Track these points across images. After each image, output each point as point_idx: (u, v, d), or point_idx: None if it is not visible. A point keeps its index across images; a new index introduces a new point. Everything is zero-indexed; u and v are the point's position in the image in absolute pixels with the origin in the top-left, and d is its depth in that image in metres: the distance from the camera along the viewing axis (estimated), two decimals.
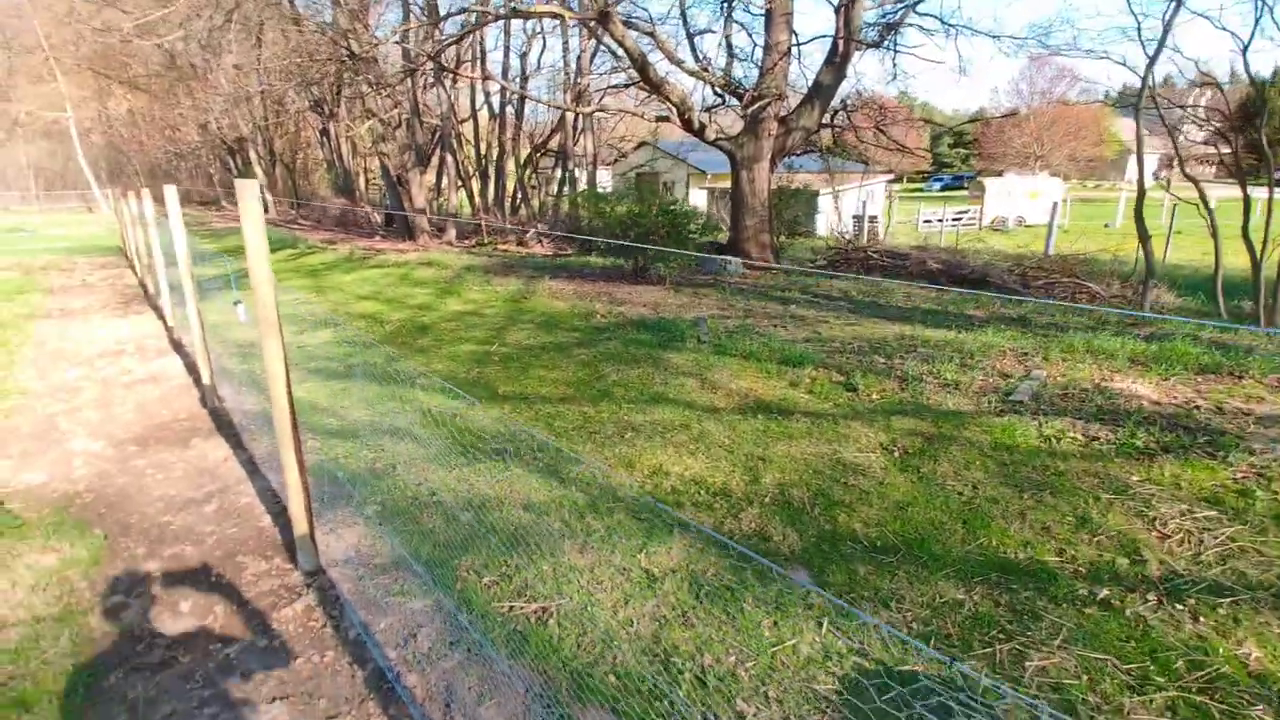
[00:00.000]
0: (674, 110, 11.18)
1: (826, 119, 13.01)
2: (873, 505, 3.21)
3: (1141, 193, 9.52)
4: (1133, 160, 64.13)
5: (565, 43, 18.42)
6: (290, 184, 35.22)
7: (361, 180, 32.08)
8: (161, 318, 8.73)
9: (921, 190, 58.29)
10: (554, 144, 22.23)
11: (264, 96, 30.49)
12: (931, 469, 3.54)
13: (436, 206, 23.24)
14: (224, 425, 4.87)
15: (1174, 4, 7.98)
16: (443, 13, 12.38)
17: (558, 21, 17.65)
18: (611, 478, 3.65)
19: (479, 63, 19.61)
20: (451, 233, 18.25)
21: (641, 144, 30.91)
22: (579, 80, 18.69)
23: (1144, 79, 8.75)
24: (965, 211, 33.32)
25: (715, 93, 12.87)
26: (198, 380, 5.98)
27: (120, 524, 3.46)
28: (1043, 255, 12.65)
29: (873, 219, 24.20)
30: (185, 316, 8.25)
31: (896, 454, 3.69)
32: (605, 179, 28.91)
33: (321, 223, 27.25)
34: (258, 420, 4.87)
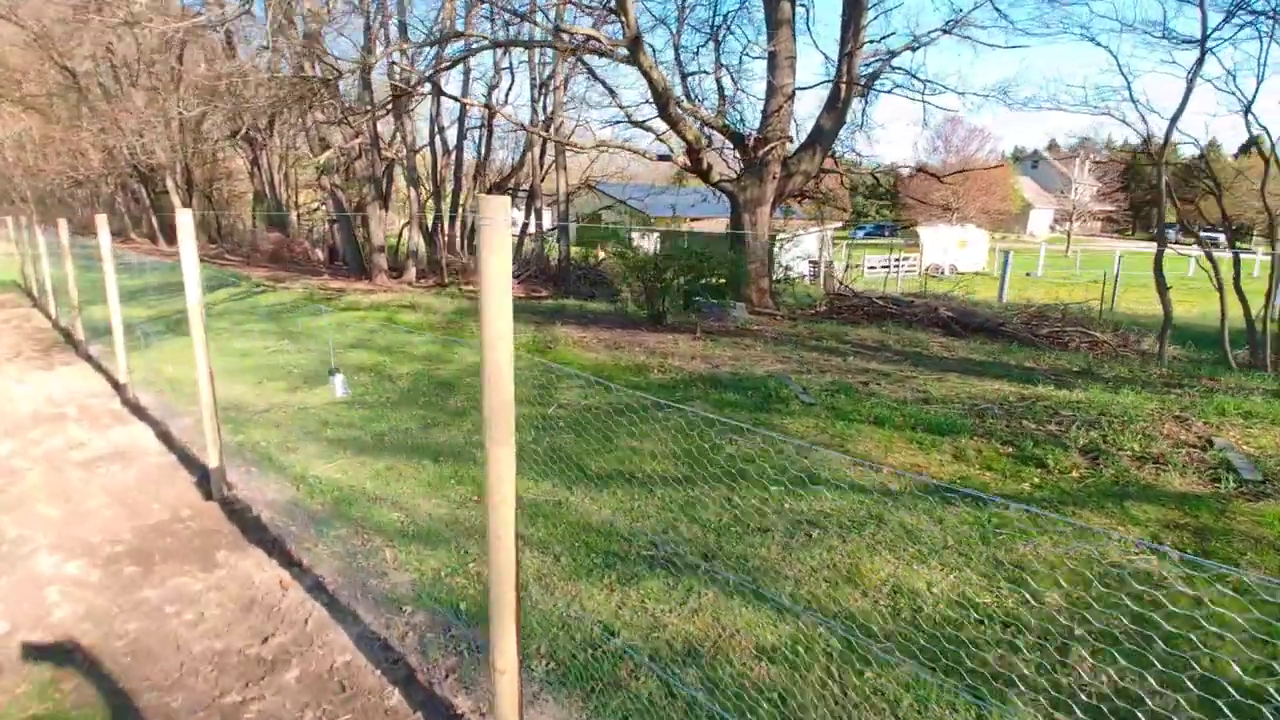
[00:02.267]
0: (685, 148, 10.65)
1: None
2: (1220, 640, 2.51)
3: (1161, 247, 9.63)
4: (1034, 214, 69.45)
5: (536, 78, 17.80)
6: (214, 217, 32.57)
7: (294, 214, 30.05)
8: (103, 371, 7.18)
9: (849, 237, 60.91)
10: (513, 182, 21.40)
11: (183, 122, 28.27)
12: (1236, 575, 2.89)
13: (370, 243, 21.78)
14: (250, 526, 3.66)
15: (1196, 63, 8.17)
16: (425, 36, 11.45)
17: (534, 52, 17.07)
18: (842, 598, 2.79)
19: (434, 99, 18.67)
20: (412, 272, 16.93)
21: (586, 186, 30.57)
22: (548, 116, 18.05)
23: (1166, 135, 8.90)
24: (906, 258, 34.67)
25: (702, 135, 12.47)
26: (185, 457, 4.69)
27: (158, 711, 2.29)
28: (1040, 305, 12.76)
29: (829, 264, 24.58)
30: (146, 367, 6.80)
31: (1174, 555, 3.03)
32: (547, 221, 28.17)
33: (251, 259, 25.07)
34: (298, 518, 3.71)
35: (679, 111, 10.15)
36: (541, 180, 18.84)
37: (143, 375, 6.81)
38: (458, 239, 20.20)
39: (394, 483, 4.21)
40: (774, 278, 12.25)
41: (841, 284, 13.31)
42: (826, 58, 12.98)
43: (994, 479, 3.88)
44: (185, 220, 3.74)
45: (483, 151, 19.27)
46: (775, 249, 12.03)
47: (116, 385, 6.50)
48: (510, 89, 18.26)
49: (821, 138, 11.87)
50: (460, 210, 19.49)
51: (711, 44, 13.42)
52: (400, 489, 4.11)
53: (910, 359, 7.51)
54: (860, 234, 61.72)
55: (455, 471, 4.35)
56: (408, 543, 3.42)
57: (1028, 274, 34.69)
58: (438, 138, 20.23)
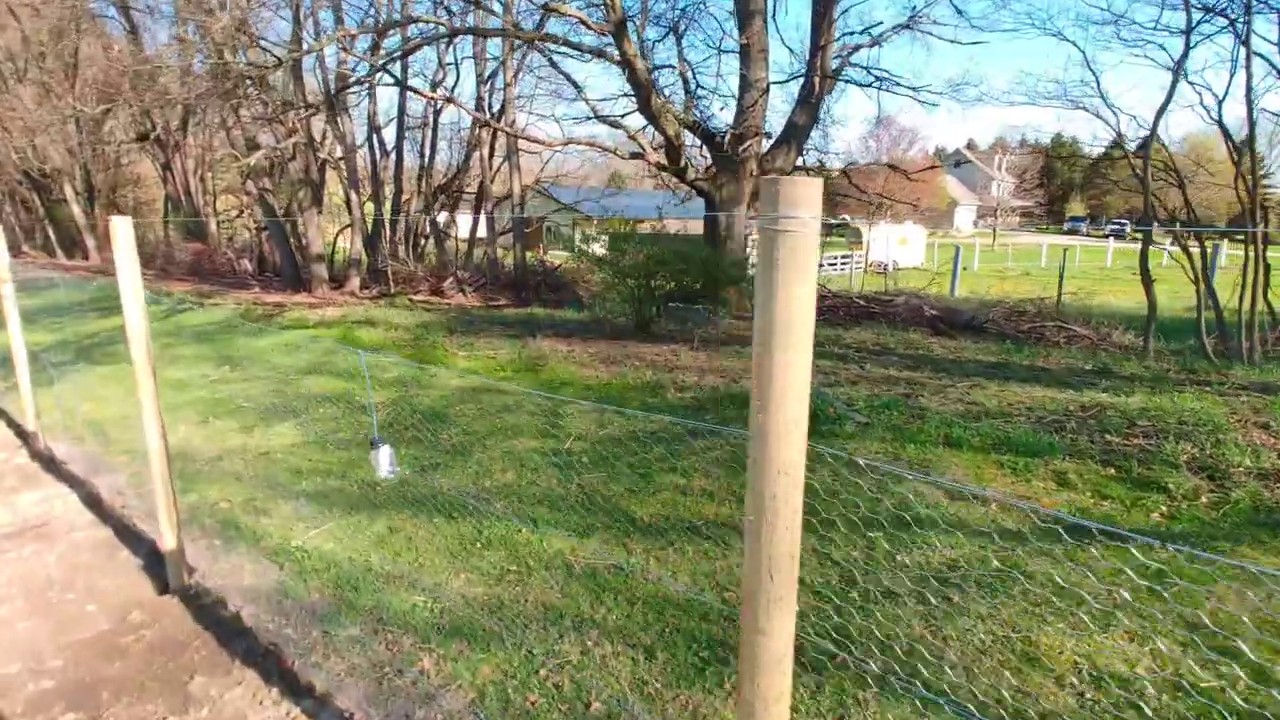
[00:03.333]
0: (664, 144, 10.03)
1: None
2: None
3: (1148, 242, 9.63)
4: (959, 211, 72.48)
5: (481, 73, 16.81)
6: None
7: (212, 222, 27.82)
8: (3, 415, 5.96)
9: None
10: (458, 185, 20.27)
11: (81, 123, 25.75)
12: None
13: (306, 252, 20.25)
14: (230, 631, 2.80)
15: (1182, 53, 8.14)
16: (368, 22, 10.35)
17: (479, 46, 16.08)
18: (1037, 691, 2.22)
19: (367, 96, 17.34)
20: (355, 281, 15.68)
21: (537, 189, 29.63)
22: (498, 113, 17.09)
23: (1153, 127, 8.88)
24: (849, 256, 35.19)
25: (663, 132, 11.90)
26: (124, 530, 3.72)
27: None
28: (1016, 301, 12.76)
29: None
30: (58, 407, 5.64)
31: None
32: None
33: (169, 271, 22.92)
34: (293, 615, 2.87)
35: (660, 105, 9.53)
36: (491, 181, 17.86)
37: (54, 418, 5.66)
38: (401, 245, 18.95)
39: (404, 551, 3.41)
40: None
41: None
42: (792, 52, 12.71)
43: (1115, 509, 3.43)
44: (123, 230, 2.84)
45: (427, 152, 18.12)
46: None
47: (22, 434, 5.35)
48: (455, 86, 17.20)
49: (796, 134, 11.49)
50: (404, 215, 18.27)
51: (672, 37, 12.88)
52: (414, 560, 3.31)
53: (926, 364, 7.12)
54: None
55: (477, 531, 3.57)
56: (447, 642, 2.65)
57: (964, 268, 35.81)
58: (374, 136, 18.93)
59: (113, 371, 7.58)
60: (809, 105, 11.38)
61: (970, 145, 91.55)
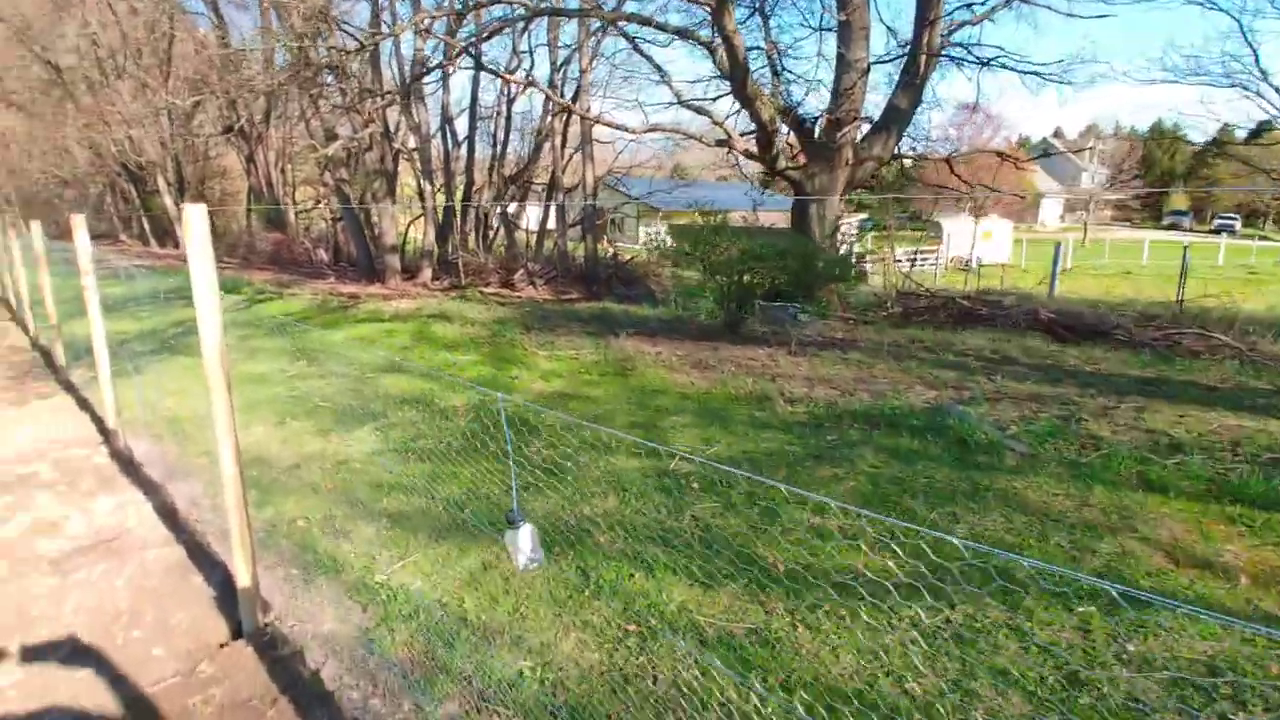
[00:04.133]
0: (757, 130, 9.34)
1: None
2: None
3: None
4: (1045, 204, 68.47)
5: (555, 60, 16.41)
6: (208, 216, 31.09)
7: (291, 212, 28.61)
8: (86, 407, 5.85)
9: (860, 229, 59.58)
10: (529, 175, 20.01)
11: (174, 117, 26.83)
12: None
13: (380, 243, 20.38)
14: (309, 695, 2.36)
15: None
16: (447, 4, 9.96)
17: (555, 31, 15.68)
18: None
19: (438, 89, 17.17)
20: (427, 273, 15.58)
21: (609, 178, 29.22)
22: (570, 100, 16.68)
23: None
24: (932, 251, 33.42)
25: (757, 118, 11.13)
26: (198, 550, 3.38)
27: None
28: (1143, 303, 11.47)
29: (859, 258, 23.41)
30: (138, 399, 5.48)
31: None
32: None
33: (250, 260, 23.65)
34: (378, 676, 2.41)
35: (755, 88, 8.84)
36: (563, 172, 17.48)
37: (134, 412, 5.50)
38: (471, 236, 18.84)
39: (501, 596, 2.92)
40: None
41: (908, 280, 12.00)
42: (890, 30, 11.69)
43: None
44: (197, 218, 2.43)
45: (500, 141, 17.88)
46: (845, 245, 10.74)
47: (103, 429, 5.18)
48: (529, 73, 16.84)
49: (897, 118, 10.57)
50: (475, 206, 18.12)
51: (759, 17, 12.09)
52: (514, 608, 2.82)
53: (1065, 376, 6.24)
54: (868, 225, 60.44)
55: (583, 573, 3.06)
56: None
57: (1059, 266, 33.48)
58: (446, 126, 18.84)
59: (194, 362, 7.47)
60: (913, 87, 10.44)
61: (1057, 134, 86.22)
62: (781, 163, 10.15)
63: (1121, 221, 69.44)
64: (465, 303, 11.81)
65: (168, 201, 27.89)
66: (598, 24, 15.48)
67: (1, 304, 12.32)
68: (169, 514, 3.80)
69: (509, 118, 17.10)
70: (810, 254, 7.88)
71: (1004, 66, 11.46)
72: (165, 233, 29.95)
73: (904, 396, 5.26)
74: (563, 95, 17.15)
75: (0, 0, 28.13)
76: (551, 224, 19.14)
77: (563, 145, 17.72)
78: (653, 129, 9.90)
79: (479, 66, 11.25)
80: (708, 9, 7.61)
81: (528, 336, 8.12)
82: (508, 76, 10.65)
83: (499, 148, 17.79)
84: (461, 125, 19.36)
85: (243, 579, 2.72)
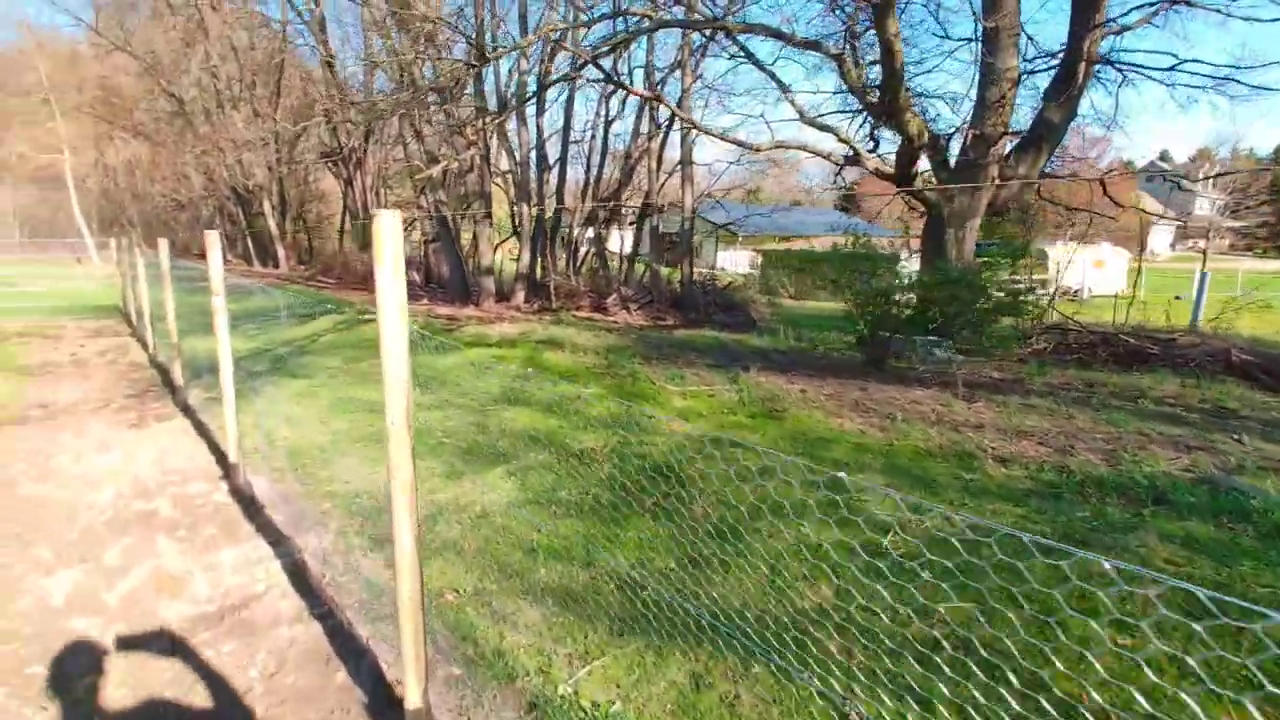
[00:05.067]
0: (902, 145, 8.52)
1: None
2: None
3: None
4: (1157, 231, 64.01)
5: (650, 77, 16.02)
6: (306, 237, 32.49)
7: None
8: (204, 434, 5.55)
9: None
10: (622, 198, 19.69)
11: (279, 142, 28.11)
12: None
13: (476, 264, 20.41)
14: None
15: None
16: (587, 17, 9.62)
17: (652, 46, 15.28)
18: None
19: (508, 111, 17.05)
20: (520, 296, 15.35)
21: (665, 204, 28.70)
22: (665, 121, 16.26)
23: None
24: (1040, 280, 31.19)
25: (903, 132, 10.21)
26: (339, 632, 2.81)
27: None
28: None
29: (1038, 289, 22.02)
30: (252, 424, 5.11)
31: None
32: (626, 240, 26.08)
33: (343, 280, 24.30)
34: None
35: (906, 99, 8.05)
36: (658, 194, 17.02)
37: (251, 440, 5.13)
38: (563, 259, 18.60)
39: None
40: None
41: (1055, 311, 10.74)
42: (1030, 39, 10.65)
43: None
44: (389, 226, 1.85)
45: (594, 164, 17.63)
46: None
47: (223, 461, 4.81)
48: (626, 96, 16.59)
49: (1049, 134, 9.49)
50: (567, 229, 17.90)
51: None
52: None
53: None
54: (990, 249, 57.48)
55: (831, 713, 2.29)
56: None
57: (1177, 296, 30.74)
58: (539, 149, 18.80)
59: (307, 387, 7.21)
60: (1068, 99, 9.36)
61: (1163, 157, 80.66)
62: (918, 181, 9.26)
63: (1241, 251, 63.82)
64: (567, 327, 11.35)
65: (270, 223, 29.23)
66: (699, 42, 15.06)
67: (123, 319, 12.74)
68: (299, 574, 3.27)
69: (606, 139, 16.82)
70: (978, 284, 6.95)
71: (1187, 74, 10.19)
72: (266, 252, 31.36)
73: (1145, 460, 4.26)
74: (655, 114, 16.76)
75: (134, 38, 30.53)
76: (639, 247, 18.71)
77: (658, 167, 17.30)
78: (778, 145, 9.22)
79: (608, 79, 10.87)
80: (867, 7, 6.89)
81: (649, 368, 7.48)
82: (637, 91, 10.22)
83: (594, 170, 17.53)
84: (552, 149, 19.33)
85: (412, 698, 2.09)
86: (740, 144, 9.00)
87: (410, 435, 1.99)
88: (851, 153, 9.50)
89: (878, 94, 8.41)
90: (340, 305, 14.37)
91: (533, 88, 12.78)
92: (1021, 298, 6.85)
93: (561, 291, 16.33)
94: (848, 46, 9.52)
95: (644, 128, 18.26)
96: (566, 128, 17.98)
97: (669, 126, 16.81)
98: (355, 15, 24.03)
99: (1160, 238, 63.56)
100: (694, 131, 15.10)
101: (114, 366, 8.52)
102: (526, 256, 15.37)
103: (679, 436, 5.15)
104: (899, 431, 5.03)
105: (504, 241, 20.23)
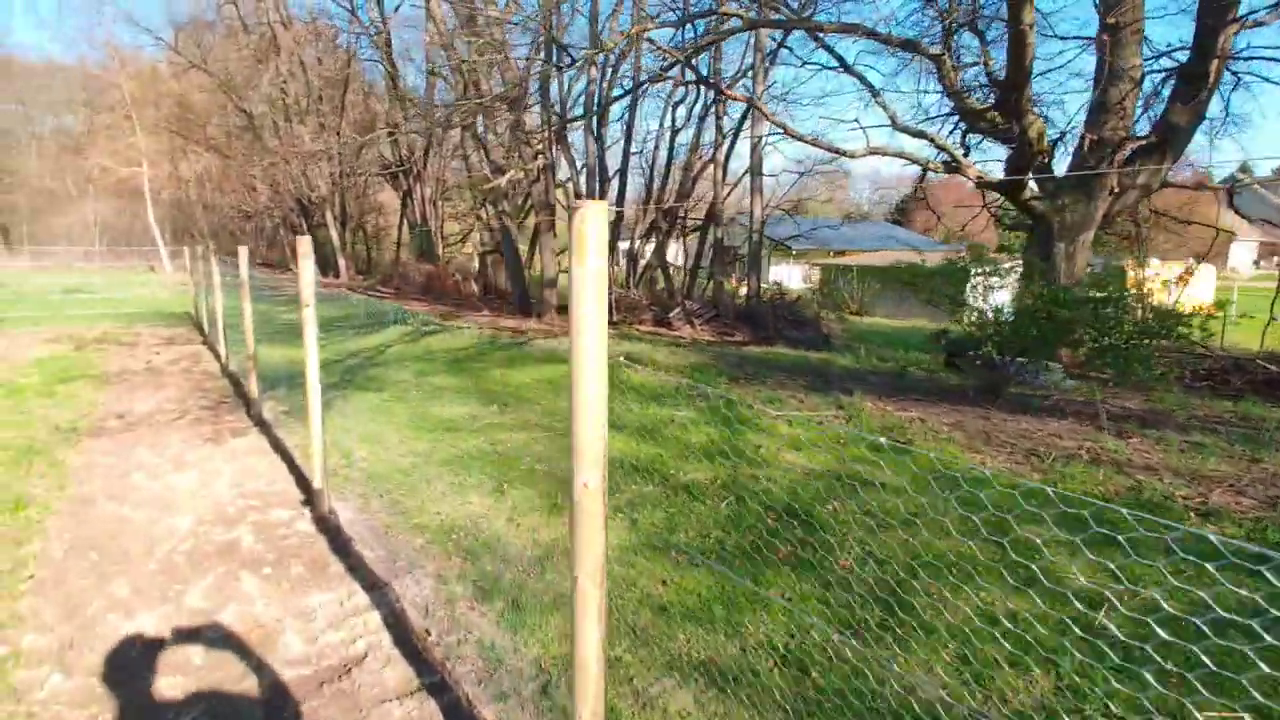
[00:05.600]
0: (1014, 151, 7.83)
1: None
2: None
3: None
4: (1236, 248, 60.45)
5: (757, 68, 15.56)
6: (365, 248, 33.09)
7: (440, 245, 29.69)
8: (280, 450, 5.25)
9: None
10: (684, 210, 19.28)
11: (342, 155, 28.71)
12: None
13: (538, 277, 20.21)
14: None
15: None
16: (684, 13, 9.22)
17: (718, 51, 14.85)
18: None
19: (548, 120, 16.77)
20: None
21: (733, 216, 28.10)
22: (732, 128, 15.78)
23: None
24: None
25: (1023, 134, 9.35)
26: (454, 710, 2.35)
27: None
28: None
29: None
30: (330, 443, 4.77)
31: None
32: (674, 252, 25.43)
33: (401, 290, 24.50)
34: None
35: (1029, 98, 7.38)
36: (723, 204, 16.53)
37: (332, 461, 4.79)
38: (622, 272, 18.26)
39: None
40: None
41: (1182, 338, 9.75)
42: (1145, 40, 9.77)
43: None
44: (595, 218, 1.38)
45: (660, 173, 17.27)
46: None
47: (304, 484, 4.47)
48: (697, 101, 16.20)
49: (1174, 139, 8.64)
50: (630, 240, 17.55)
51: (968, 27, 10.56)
52: None
53: None
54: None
55: None
56: None
57: (1274, 316, 28.53)
58: (602, 159, 18.55)
59: (380, 401, 6.92)
60: (1196, 101, 8.51)
61: (1244, 168, 76.20)
62: (1025, 192, 8.52)
63: None
64: (636, 343, 10.92)
65: (332, 233, 29.82)
66: (770, 48, 14.58)
67: (194, 327, 12.86)
68: (401, 630, 2.84)
69: (671, 148, 16.44)
70: (1124, 303, 6.22)
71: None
72: (327, 262, 32.05)
73: None
74: (721, 123, 16.32)
75: (210, 56, 31.77)
76: (700, 259, 18.21)
77: (723, 178, 16.84)
78: (873, 152, 8.62)
79: (699, 80, 10.49)
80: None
81: (740, 389, 6.95)
82: (730, 93, 9.78)
83: (657, 180, 17.16)
84: (611, 160, 19.08)
85: None
86: (835, 150, 8.45)
87: (605, 504, 1.51)
88: (948, 159, 8.82)
89: (997, 94, 7.75)
90: (404, 316, 14.26)
91: (616, 91, 12.50)
92: (1176, 319, 6.07)
93: (623, 305, 15.94)
94: (945, 46, 8.87)
95: (704, 139, 17.87)
96: (628, 138, 17.70)
97: (735, 136, 16.34)
98: (414, 31, 24.42)
99: (1242, 255, 59.89)
100: (764, 142, 14.59)
101: (188, 376, 8.43)
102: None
103: (797, 471, 4.59)
104: (1056, 472, 4.37)
105: (562, 253, 20.04)
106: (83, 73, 38.76)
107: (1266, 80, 12.27)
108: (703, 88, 16.15)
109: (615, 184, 19.30)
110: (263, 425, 6.02)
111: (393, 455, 5.14)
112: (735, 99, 9.79)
